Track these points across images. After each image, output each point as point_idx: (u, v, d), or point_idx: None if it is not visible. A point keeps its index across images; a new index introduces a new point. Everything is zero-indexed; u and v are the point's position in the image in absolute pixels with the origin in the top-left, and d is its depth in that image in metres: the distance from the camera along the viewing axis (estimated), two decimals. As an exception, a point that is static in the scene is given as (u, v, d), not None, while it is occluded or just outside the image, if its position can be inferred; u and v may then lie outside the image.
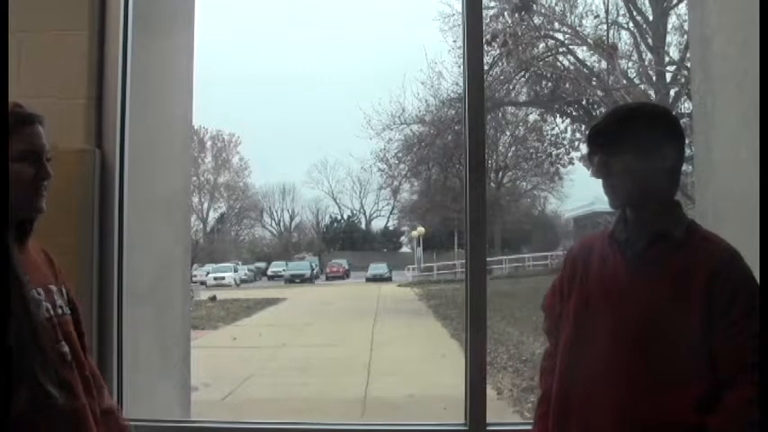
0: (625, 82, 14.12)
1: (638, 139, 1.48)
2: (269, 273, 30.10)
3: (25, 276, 1.33)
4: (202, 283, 23.65)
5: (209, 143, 32.68)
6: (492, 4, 15.06)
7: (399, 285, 25.04)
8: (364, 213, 36.38)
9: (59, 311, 1.42)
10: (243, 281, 27.28)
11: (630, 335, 1.44)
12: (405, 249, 34.14)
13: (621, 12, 15.43)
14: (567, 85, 15.65)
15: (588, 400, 1.47)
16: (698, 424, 1.38)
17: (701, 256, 1.43)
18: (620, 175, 1.49)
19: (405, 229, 33.34)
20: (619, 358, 1.44)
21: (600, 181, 1.55)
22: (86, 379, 1.44)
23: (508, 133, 19.28)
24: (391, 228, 35.70)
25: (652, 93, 14.62)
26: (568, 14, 15.61)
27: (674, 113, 1.67)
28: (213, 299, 18.79)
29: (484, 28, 2.58)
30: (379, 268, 28.77)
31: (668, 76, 14.78)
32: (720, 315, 1.39)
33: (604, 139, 1.52)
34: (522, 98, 17.17)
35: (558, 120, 16.77)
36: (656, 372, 1.41)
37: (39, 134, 1.40)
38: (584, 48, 15.66)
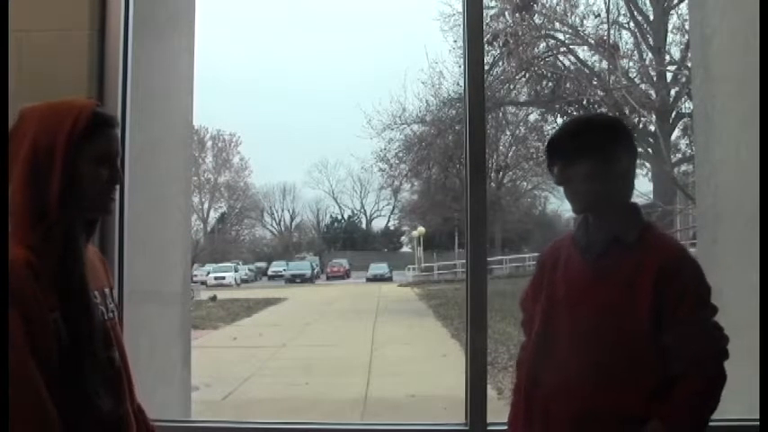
0: (626, 82, 14.09)
1: (592, 147, 1.58)
2: (269, 272, 30.08)
3: (87, 278, 1.32)
4: (203, 282, 23.63)
5: (209, 143, 32.64)
6: (492, 3, 15.08)
7: (400, 285, 25.02)
8: (365, 213, 36.40)
9: (110, 315, 1.42)
10: (243, 281, 27.26)
11: (587, 333, 1.55)
12: (405, 249, 34.11)
13: (622, 11, 15.43)
14: (568, 85, 15.64)
15: (550, 394, 1.58)
16: (651, 416, 1.47)
17: (651, 256, 1.53)
18: (578, 182, 1.59)
19: (405, 228, 33.33)
20: (577, 356, 1.55)
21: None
22: (129, 381, 1.45)
23: (508, 133, 19.26)
24: (392, 228, 35.70)
25: (652, 93, 14.63)
26: (569, 14, 15.61)
27: (625, 123, 1.79)
28: (213, 299, 18.77)
29: (484, 28, 2.58)
30: (379, 268, 28.75)
31: (669, 76, 14.78)
32: (670, 311, 1.49)
33: (562, 149, 1.62)
34: (523, 98, 17.17)
35: (559, 120, 16.75)
36: (611, 367, 1.51)
37: (116, 138, 1.39)
38: (585, 47, 15.66)
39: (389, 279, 27.69)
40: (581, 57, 15.90)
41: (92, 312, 1.31)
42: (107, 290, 1.44)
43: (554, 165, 1.63)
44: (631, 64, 15.27)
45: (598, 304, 1.54)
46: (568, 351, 1.56)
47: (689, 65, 10.13)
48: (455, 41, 15.95)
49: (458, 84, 16.38)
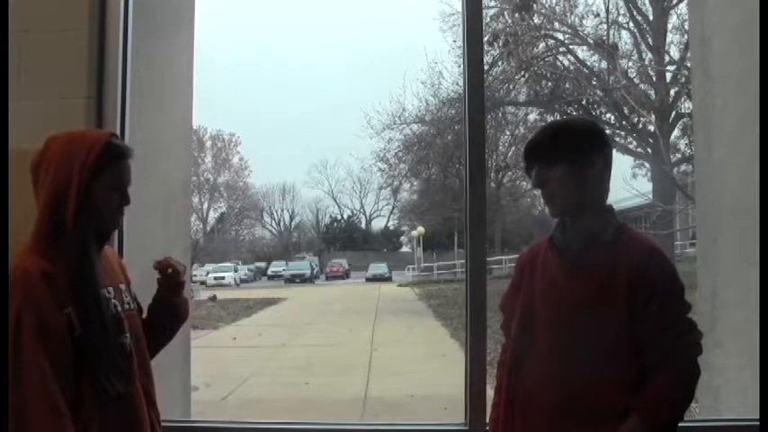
0: (625, 82, 14.09)
1: (569, 150, 1.62)
2: (269, 272, 30.10)
3: (98, 278, 1.53)
4: (202, 282, 23.63)
5: (209, 143, 32.67)
6: (492, 3, 15.07)
7: (399, 285, 25.01)
8: (364, 213, 36.43)
9: (127, 306, 1.62)
10: (243, 281, 27.27)
11: (565, 331, 1.60)
12: (405, 249, 34.16)
13: (622, 11, 15.41)
14: (567, 85, 15.64)
15: (530, 391, 1.62)
16: (627, 407, 1.52)
17: (625, 255, 1.58)
18: (555, 185, 1.63)
19: (405, 228, 33.35)
20: (556, 353, 1.59)
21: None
22: (144, 365, 1.64)
23: (508, 133, 19.26)
24: (391, 227, 35.73)
25: (652, 92, 14.61)
26: (569, 14, 15.60)
27: (600, 127, 1.81)
28: (213, 299, 18.77)
29: (484, 28, 2.58)
30: (379, 268, 28.75)
31: (668, 76, 14.76)
32: (642, 307, 1.54)
33: (540, 152, 1.66)
34: (522, 98, 17.15)
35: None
36: (589, 363, 1.54)
37: (129, 168, 1.61)
38: (585, 47, 15.65)
39: (389, 279, 27.69)
40: (580, 57, 15.90)
41: (101, 306, 1.50)
42: (122, 285, 1.65)
43: (531, 168, 1.67)
44: (630, 64, 15.26)
45: (575, 302, 1.59)
46: (547, 349, 1.61)
47: (688, 65, 10.13)
48: (454, 41, 15.97)
49: (457, 84, 16.38)
